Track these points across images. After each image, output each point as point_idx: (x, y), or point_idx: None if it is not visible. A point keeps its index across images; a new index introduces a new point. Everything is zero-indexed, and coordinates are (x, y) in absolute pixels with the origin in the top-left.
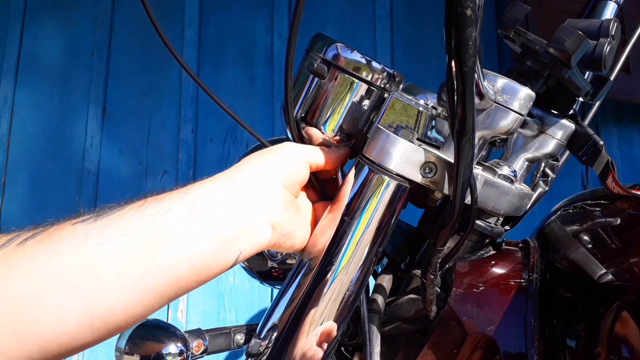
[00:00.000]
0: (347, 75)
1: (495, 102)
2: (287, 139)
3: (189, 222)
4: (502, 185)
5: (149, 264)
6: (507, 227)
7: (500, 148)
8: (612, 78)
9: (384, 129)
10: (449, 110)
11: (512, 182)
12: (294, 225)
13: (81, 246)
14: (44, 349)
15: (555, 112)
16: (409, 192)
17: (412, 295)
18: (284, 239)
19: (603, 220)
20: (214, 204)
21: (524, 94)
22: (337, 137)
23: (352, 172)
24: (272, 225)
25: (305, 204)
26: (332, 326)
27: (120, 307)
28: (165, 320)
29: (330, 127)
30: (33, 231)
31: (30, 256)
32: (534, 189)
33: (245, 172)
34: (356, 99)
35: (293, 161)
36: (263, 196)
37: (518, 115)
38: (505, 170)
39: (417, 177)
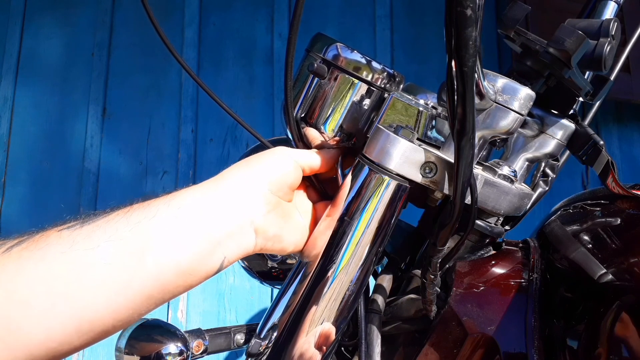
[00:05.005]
0: (347, 75)
1: (496, 102)
2: (288, 139)
3: (174, 228)
4: (502, 185)
5: (135, 269)
6: (507, 227)
7: (500, 148)
8: (612, 78)
9: (384, 128)
10: (449, 110)
11: (512, 182)
12: (280, 228)
13: (67, 252)
14: (32, 355)
15: (556, 112)
16: (409, 192)
17: (412, 295)
18: (271, 243)
19: (603, 220)
20: (198, 210)
21: (524, 93)
22: (337, 137)
23: (352, 172)
24: (254, 230)
25: (305, 205)
26: (332, 326)
27: (107, 312)
28: (165, 320)
29: (330, 127)
30: (19, 239)
31: (17, 262)
32: (534, 189)
33: (231, 179)
34: (356, 98)
35: (281, 165)
36: (245, 201)
37: (518, 115)
38: (505, 170)
39: (417, 177)
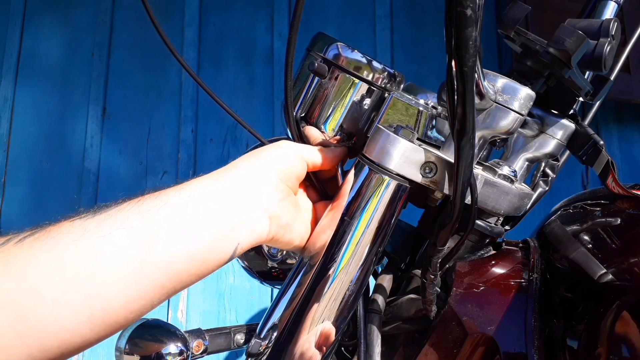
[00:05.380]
0: (347, 75)
1: (496, 102)
2: (288, 139)
3: (185, 216)
4: (502, 185)
5: (146, 256)
6: (507, 227)
7: (500, 148)
8: (612, 78)
9: (384, 128)
10: (449, 110)
11: (512, 182)
12: (292, 217)
13: (79, 240)
14: (44, 346)
15: (556, 112)
16: (409, 192)
17: (412, 295)
18: (282, 231)
19: (603, 220)
20: (210, 198)
21: (524, 93)
22: (337, 137)
23: (352, 171)
24: (269, 217)
25: (306, 203)
26: (332, 326)
27: (119, 302)
28: (165, 320)
29: (330, 126)
30: (31, 231)
31: (29, 252)
32: (534, 188)
33: (241, 168)
34: (357, 98)
35: (289, 156)
36: (259, 188)
37: (518, 115)
38: (505, 170)
39: (417, 177)
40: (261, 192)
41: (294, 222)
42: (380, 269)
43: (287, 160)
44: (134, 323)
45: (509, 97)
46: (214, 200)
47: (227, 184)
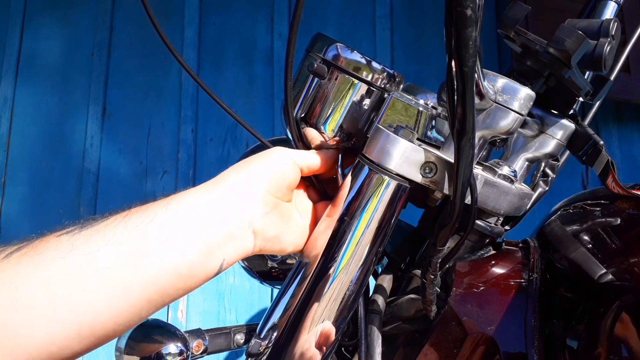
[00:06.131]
0: (347, 76)
1: (496, 102)
2: (288, 139)
3: (173, 231)
4: (502, 185)
5: (135, 272)
6: (507, 227)
7: (500, 148)
8: (612, 78)
9: (384, 128)
10: (449, 110)
11: (512, 182)
12: (279, 229)
13: (66, 257)
14: None
15: (555, 112)
16: (409, 192)
17: (412, 295)
18: (270, 244)
19: (603, 220)
20: (195, 213)
21: (524, 93)
22: (337, 137)
23: (352, 172)
24: (253, 232)
25: (305, 204)
26: (332, 326)
27: (108, 316)
28: (165, 320)
29: (330, 127)
30: (18, 245)
31: (16, 268)
32: (534, 188)
33: (228, 180)
34: (356, 99)
35: (279, 166)
36: (243, 203)
37: (518, 115)
38: (505, 170)
39: (417, 177)
40: (245, 207)
41: (283, 233)
42: (380, 269)
43: (277, 170)
44: None
45: (509, 97)
46: (199, 216)
47: (213, 198)
